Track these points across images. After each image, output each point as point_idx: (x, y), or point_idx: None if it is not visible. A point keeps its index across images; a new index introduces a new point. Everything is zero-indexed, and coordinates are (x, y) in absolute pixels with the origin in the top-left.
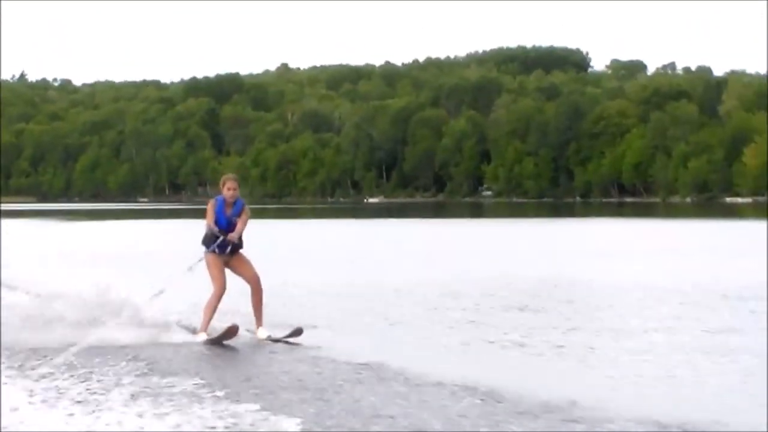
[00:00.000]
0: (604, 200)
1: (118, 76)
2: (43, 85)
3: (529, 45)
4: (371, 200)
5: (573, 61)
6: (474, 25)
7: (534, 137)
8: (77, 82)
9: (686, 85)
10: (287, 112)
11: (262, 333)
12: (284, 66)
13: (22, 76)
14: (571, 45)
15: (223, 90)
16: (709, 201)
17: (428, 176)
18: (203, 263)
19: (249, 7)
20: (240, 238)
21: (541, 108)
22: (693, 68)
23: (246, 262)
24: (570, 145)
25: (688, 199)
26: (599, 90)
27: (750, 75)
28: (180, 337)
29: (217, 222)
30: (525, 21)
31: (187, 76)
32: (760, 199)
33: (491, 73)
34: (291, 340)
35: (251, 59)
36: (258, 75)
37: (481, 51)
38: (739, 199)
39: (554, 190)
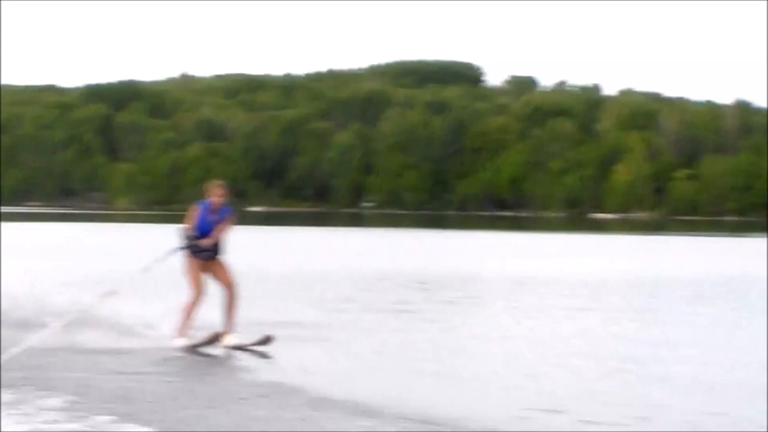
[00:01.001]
0: (479, 213)
1: (21, 80)
2: None
3: (428, 59)
4: (253, 209)
5: (469, 76)
6: (375, 38)
7: (418, 151)
8: None
9: (568, 103)
10: (182, 120)
11: (230, 340)
12: (185, 74)
13: None
14: (468, 60)
15: (120, 97)
16: (578, 216)
17: (312, 187)
18: (178, 260)
19: (153, 14)
20: (216, 245)
21: (427, 122)
22: (585, 85)
23: (223, 268)
24: (452, 159)
25: (560, 214)
26: (487, 105)
27: (638, 93)
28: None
29: (198, 226)
30: (425, 35)
31: (90, 82)
32: (625, 215)
33: (386, 87)
34: (258, 348)
35: (153, 67)
36: (159, 82)
37: (381, 63)
38: (607, 215)
39: (432, 203)
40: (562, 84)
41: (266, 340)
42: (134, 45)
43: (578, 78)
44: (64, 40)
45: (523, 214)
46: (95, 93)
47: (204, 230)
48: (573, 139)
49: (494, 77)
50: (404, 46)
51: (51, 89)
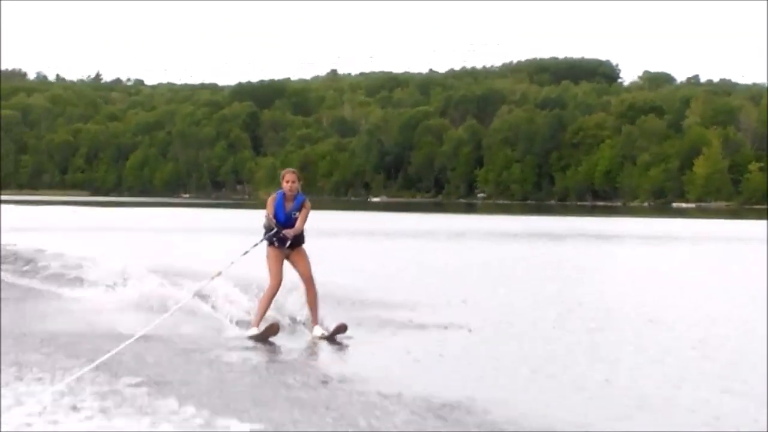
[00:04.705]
0: (578, 203)
1: (181, 78)
2: (113, 86)
3: (561, 56)
4: (374, 199)
5: (602, 72)
6: (512, 37)
7: (522, 145)
8: (149, 82)
9: (660, 101)
10: (323, 117)
11: (317, 331)
12: (333, 72)
13: (97, 76)
14: (603, 57)
15: (266, 95)
16: (662, 205)
17: (429, 179)
18: (261, 251)
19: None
20: (300, 234)
21: (531, 119)
22: (715, 80)
23: (303, 258)
24: (552, 154)
25: (646, 204)
26: (590, 103)
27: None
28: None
29: (275, 216)
30: (560, 34)
31: (244, 80)
32: (703, 204)
33: (521, 84)
34: (337, 336)
35: (305, 65)
36: (307, 81)
37: (515, 61)
38: (684, 204)
39: (537, 194)
40: (694, 78)
41: (340, 329)
42: (290, 45)
43: (711, 72)
44: (231, 40)
45: (615, 203)
46: (243, 91)
47: (281, 220)
48: (662, 134)
49: (631, 73)
50: (542, 43)
51: (207, 87)
